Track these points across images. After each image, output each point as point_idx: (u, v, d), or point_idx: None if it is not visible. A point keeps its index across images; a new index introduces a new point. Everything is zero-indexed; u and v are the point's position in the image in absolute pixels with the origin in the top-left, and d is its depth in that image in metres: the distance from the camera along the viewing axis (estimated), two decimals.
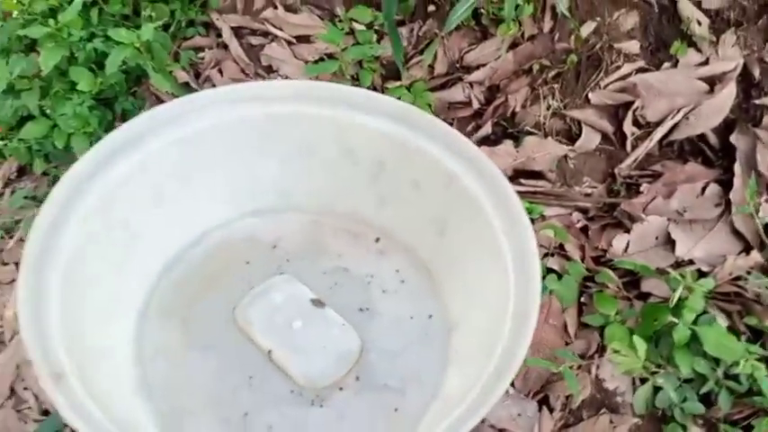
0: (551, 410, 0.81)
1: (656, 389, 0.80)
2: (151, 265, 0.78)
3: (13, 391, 0.88)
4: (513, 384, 0.81)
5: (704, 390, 0.80)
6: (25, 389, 0.88)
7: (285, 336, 0.74)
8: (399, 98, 1.00)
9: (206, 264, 0.80)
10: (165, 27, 1.09)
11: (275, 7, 1.12)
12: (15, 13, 1.01)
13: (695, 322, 0.80)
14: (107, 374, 0.66)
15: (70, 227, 0.67)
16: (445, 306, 0.76)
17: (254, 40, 1.12)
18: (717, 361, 0.80)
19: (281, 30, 1.11)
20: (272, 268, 0.79)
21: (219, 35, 1.13)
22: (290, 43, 1.10)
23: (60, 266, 0.65)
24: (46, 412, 0.86)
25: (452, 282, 0.76)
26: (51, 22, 0.98)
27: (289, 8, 1.12)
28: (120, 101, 1.07)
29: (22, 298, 0.61)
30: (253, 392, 0.71)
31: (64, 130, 1.03)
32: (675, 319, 0.79)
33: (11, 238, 1.02)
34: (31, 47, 1.06)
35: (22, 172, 1.15)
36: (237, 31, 1.12)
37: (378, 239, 0.81)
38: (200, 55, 1.12)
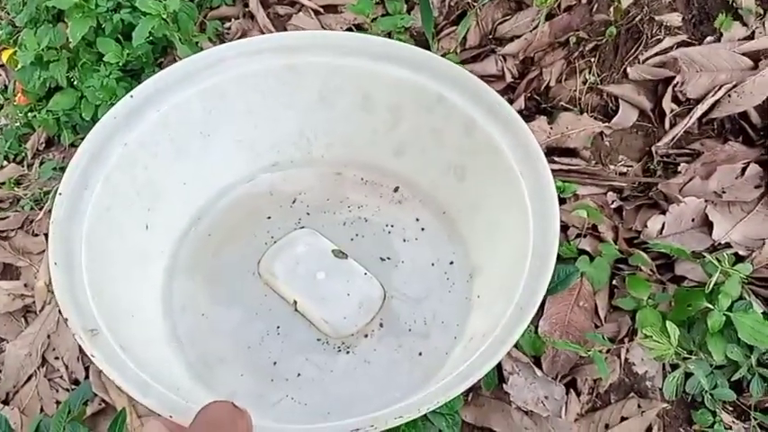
0: (579, 394, 0.80)
1: (687, 374, 0.79)
2: (175, 222, 0.79)
3: (44, 359, 0.90)
4: (540, 367, 0.80)
5: (736, 377, 0.78)
6: (56, 358, 0.90)
7: (309, 287, 0.75)
8: None
9: (228, 219, 0.81)
10: None
11: None
12: None
13: (730, 308, 0.78)
14: (138, 328, 0.68)
15: (95, 187, 0.68)
16: (466, 251, 0.77)
17: (282, 10, 1.10)
18: (750, 348, 0.78)
19: None
20: (294, 221, 0.81)
21: (246, 5, 1.11)
22: (317, 13, 1.08)
23: (87, 226, 0.66)
24: (76, 381, 0.88)
25: (472, 227, 0.76)
26: None
27: None
28: (146, 72, 1.06)
29: (53, 258, 0.62)
30: (280, 341, 0.73)
31: (91, 101, 1.02)
32: (710, 305, 0.77)
33: (40, 209, 1.03)
34: (59, 18, 1.06)
35: (50, 143, 1.16)
36: (264, 1, 1.10)
37: (397, 188, 0.81)
38: (227, 25, 1.11)
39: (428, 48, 1.00)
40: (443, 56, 1.00)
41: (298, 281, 0.75)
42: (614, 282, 0.86)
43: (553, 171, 0.92)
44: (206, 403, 0.44)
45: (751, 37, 0.93)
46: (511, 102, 1.00)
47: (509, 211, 0.68)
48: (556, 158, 0.94)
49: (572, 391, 0.80)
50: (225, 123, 0.77)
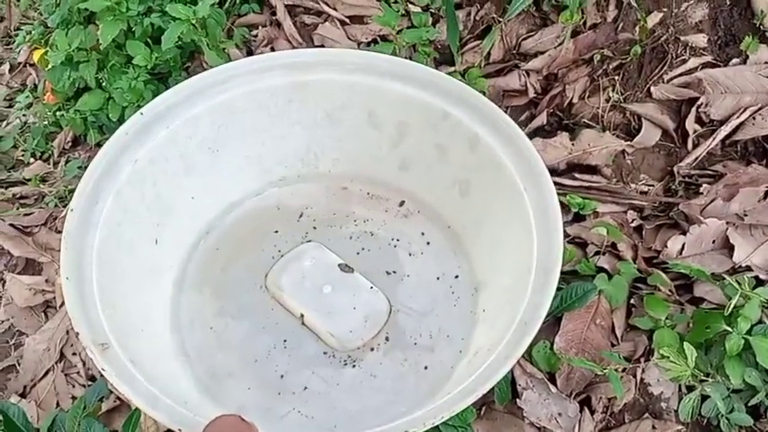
0: (593, 412, 0.79)
1: (703, 397, 0.78)
2: (184, 236, 0.80)
3: (62, 355, 0.91)
4: (555, 383, 0.80)
5: (753, 401, 0.77)
6: (74, 354, 0.91)
7: (316, 300, 0.76)
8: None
9: (236, 233, 0.82)
10: (220, 3, 1.09)
11: None
12: None
13: (749, 332, 0.77)
14: (147, 343, 0.69)
15: (106, 202, 0.69)
16: (471, 266, 0.77)
17: (308, 19, 1.11)
18: None
19: (334, 9, 1.09)
20: (300, 236, 0.82)
21: (274, 13, 1.12)
22: (343, 23, 1.09)
23: (98, 240, 0.67)
24: (93, 378, 0.89)
25: (477, 241, 0.77)
26: None
27: None
28: (174, 76, 1.08)
29: (65, 273, 0.63)
30: (287, 355, 0.73)
31: (119, 102, 1.04)
32: (729, 328, 0.76)
33: (64, 206, 1.05)
34: (90, 20, 1.08)
35: (77, 142, 1.18)
36: (291, 10, 1.12)
37: (402, 203, 0.82)
38: (254, 32, 1.12)
39: (452, 61, 1.01)
40: (467, 70, 1.01)
41: (304, 294, 0.76)
42: (632, 301, 0.85)
43: (573, 188, 0.93)
44: (214, 417, 0.44)
45: None
46: (533, 117, 1.00)
47: (513, 227, 0.69)
48: (577, 175, 0.94)
49: (586, 409, 0.80)
50: (233, 139, 0.78)
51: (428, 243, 0.79)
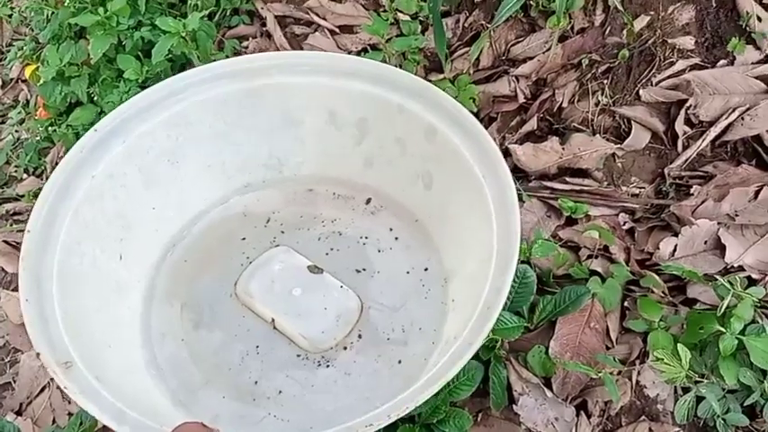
0: (589, 416, 0.80)
1: (699, 398, 0.78)
2: (149, 250, 0.80)
3: None
4: (551, 388, 0.80)
5: (749, 401, 0.77)
6: None
7: (286, 304, 0.76)
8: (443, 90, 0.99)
9: (203, 243, 0.82)
10: (210, 16, 1.10)
11: None
12: (67, 2, 1.03)
13: (743, 332, 0.77)
14: (115, 359, 0.68)
15: (64, 221, 0.69)
16: (439, 257, 0.77)
17: (298, 30, 1.11)
18: (764, 372, 0.77)
19: (324, 19, 1.10)
20: (268, 241, 0.81)
21: (264, 24, 1.12)
22: (333, 33, 1.10)
23: (58, 260, 0.67)
24: None
25: (444, 232, 0.77)
26: (101, 10, 0.99)
27: None
28: None
29: (24, 295, 0.63)
30: (260, 360, 0.73)
31: None
32: (722, 328, 0.77)
33: None
34: (81, 34, 1.08)
35: None
36: (281, 21, 1.12)
37: (369, 200, 0.82)
38: (244, 44, 1.12)
39: (442, 68, 1.01)
40: (456, 76, 1.01)
41: (274, 299, 0.76)
42: (626, 303, 0.85)
43: (565, 192, 0.93)
44: (177, 425, 0.45)
45: (764, 61, 0.94)
46: (523, 122, 1.01)
47: (474, 215, 0.69)
48: (568, 179, 0.95)
49: (582, 413, 0.80)
50: (192, 149, 0.78)
51: (396, 238, 0.80)
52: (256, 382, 0.72)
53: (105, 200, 0.73)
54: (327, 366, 0.72)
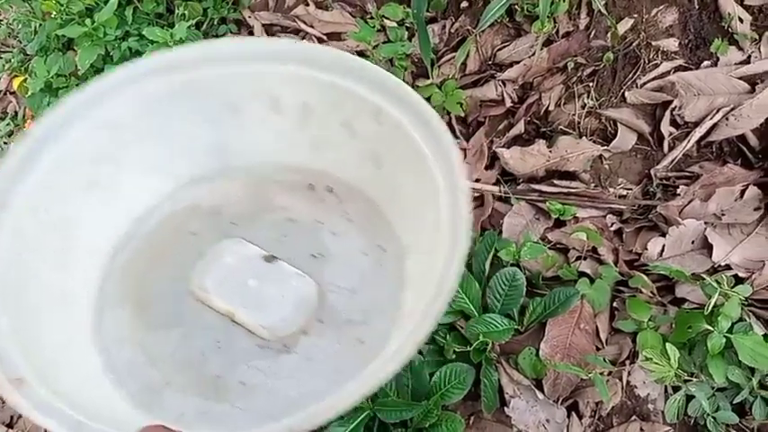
0: (580, 417, 0.80)
1: (689, 397, 0.79)
2: (96, 256, 0.77)
3: None
4: (542, 390, 0.80)
5: (738, 399, 0.78)
6: None
7: (242, 296, 0.74)
8: (430, 95, 1.00)
9: (152, 243, 0.80)
10: (198, 25, 1.10)
11: (307, 4, 1.12)
12: (54, 14, 1.03)
13: (730, 330, 0.78)
14: (70, 370, 0.67)
15: (1, 235, 0.68)
16: (395, 235, 0.77)
17: (285, 38, 1.12)
18: (752, 370, 0.78)
19: (311, 27, 1.11)
20: (220, 234, 0.80)
21: (251, 33, 1.13)
22: (321, 40, 1.10)
23: (0, 275, 0.65)
24: None
25: (397, 210, 0.77)
26: (88, 21, 1.00)
27: (320, 5, 1.12)
28: None
29: None
30: (221, 355, 0.72)
31: None
32: (710, 327, 0.77)
33: None
34: (69, 46, 1.08)
35: None
36: (269, 29, 1.13)
37: (319, 184, 0.81)
38: None
39: (428, 74, 1.02)
40: (443, 81, 1.02)
41: (230, 292, 0.75)
42: (615, 304, 0.86)
43: (552, 194, 0.94)
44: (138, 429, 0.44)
45: (747, 61, 0.94)
46: (511, 126, 1.01)
47: (424, 189, 0.69)
48: (555, 181, 0.95)
49: (574, 414, 0.80)
50: (131, 149, 0.76)
51: (350, 220, 0.79)
52: (219, 377, 0.71)
53: (44, 208, 0.71)
54: (289, 353, 0.72)
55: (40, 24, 1.09)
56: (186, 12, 1.08)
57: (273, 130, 0.80)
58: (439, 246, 0.63)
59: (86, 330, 0.74)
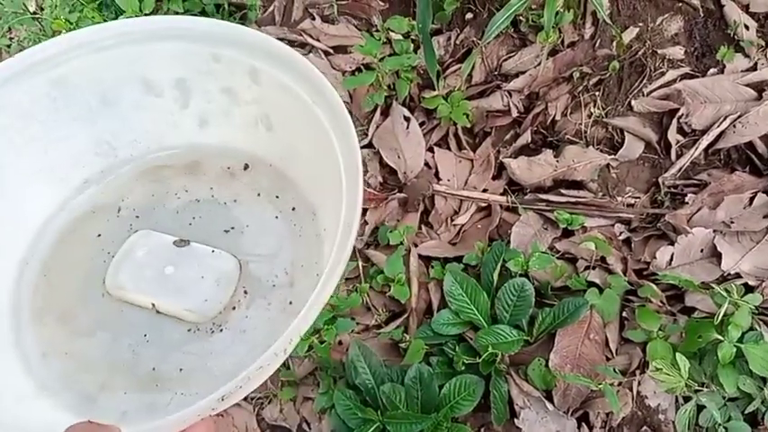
0: (591, 428, 0.80)
1: (700, 407, 0.79)
2: (2, 276, 0.77)
3: None
4: (552, 401, 0.80)
5: (750, 409, 0.78)
6: None
7: (161, 285, 0.74)
8: (436, 106, 1.00)
9: (58, 252, 0.79)
10: None
11: (313, 18, 1.13)
12: (63, 32, 1.04)
13: (741, 339, 0.78)
14: (0, 393, 0.66)
15: None
16: (302, 194, 0.76)
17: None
18: (764, 379, 0.78)
19: (318, 41, 1.11)
20: (125, 230, 0.78)
21: None
22: (327, 54, 1.11)
23: None
24: None
25: (299, 170, 0.76)
26: None
27: (326, 19, 1.13)
28: None
29: None
30: (152, 347, 0.72)
31: None
32: (720, 336, 0.77)
33: None
34: None
35: None
36: None
37: (215, 159, 0.81)
38: None
39: (434, 86, 1.02)
40: (450, 93, 1.02)
41: (147, 284, 0.74)
42: (624, 313, 0.86)
43: (560, 204, 0.94)
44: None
45: (753, 68, 0.94)
46: (517, 136, 1.02)
47: (317, 142, 0.69)
48: (563, 191, 0.95)
49: (584, 425, 0.80)
50: (11, 159, 0.75)
51: (256, 189, 0.79)
52: (154, 369, 0.71)
53: None
54: (221, 330, 0.72)
55: None
56: None
57: (154, 113, 0.78)
58: (342, 194, 0.64)
59: (8, 352, 0.72)
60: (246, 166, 0.80)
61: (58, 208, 0.81)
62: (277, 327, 0.70)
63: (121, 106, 0.78)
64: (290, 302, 0.72)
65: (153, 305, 0.74)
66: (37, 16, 1.20)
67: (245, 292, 0.74)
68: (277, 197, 0.79)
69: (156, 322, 0.73)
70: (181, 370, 0.70)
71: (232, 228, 0.78)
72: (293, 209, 0.77)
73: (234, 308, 0.73)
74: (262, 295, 0.74)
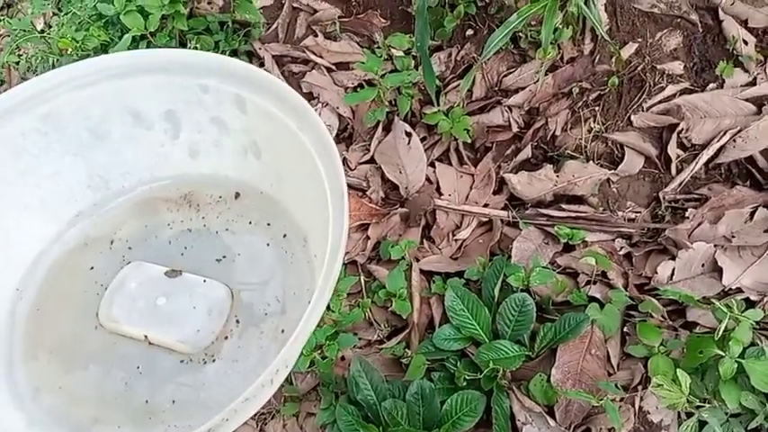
0: None
1: (702, 423, 0.78)
2: None
3: None
4: (554, 417, 0.80)
5: (753, 425, 0.77)
6: None
7: (154, 316, 0.74)
8: (437, 122, 1.01)
9: (51, 285, 0.79)
10: None
11: (315, 35, 1.14)
12: (70, 50, 1.06)
13: (742, 355, 0.77)
14: None
15: None
16: (293, 220, 0.77)
17: (296, 68, 1.14)
18: (766, 395, 0.77)
19: (320, 57, 1.13)
20: (118, 262, 0.79)
21: (262, 63, 1.15)
22: (329, 70, 1.12)
23: None
24: None
25: (288, 195, 0.77)
26: None
27: (328, 36, 1.14)
28: None
29: None
30: (145, 379, 0.72)
31: None
32: (721, 352, 0.77)
33: None
34: None
35: None
36: (279, 60, 1.15)
37: (206, 190, 0.81)
38: None
39: (432, 102, 1.03)
40: (450, 108, 1.03)
41: (140, 316, 0.74)
42: (626, 328, 0.86)
43: (561, 218, 0.94)
44: None
45: (753, 83, 0.95)
46: (518, 151, 1.02)
47: (304, 167, 0.69)
48: (563, 206, 0.96)
49: None
50: (4, 192, 0.75)
51: (246, 216, 0.79)
52: (147, 401, 0.70)
53: None
54: (214, 361, 0.72)
55: (57, 60, 1.12)
56: (198, 45, 1.11)
57: (145, 145, 0.78)
58: (327, 219, 0.64)
59: (2, 387, 0.72)
60: (237, 195, 0.80)
61: (51, 241, 0.80)
62: (269, 356, 0.70)
63: (112, 139, 0.78)
64: (282, 330, 0.72)
65: (145, 337, 0.74)
66: (44, 35, 1.22)
67: (238, 321, 0.74)
68: (268, 224, 0.79)
69: (148, 354, 0.73)
70: (174, 402, 0.70)
71: (224, 256, 0.78)
72: (284, 236, 0.77)
73: (226, 337, 0.73)
74: (254, 324, 0.73)
